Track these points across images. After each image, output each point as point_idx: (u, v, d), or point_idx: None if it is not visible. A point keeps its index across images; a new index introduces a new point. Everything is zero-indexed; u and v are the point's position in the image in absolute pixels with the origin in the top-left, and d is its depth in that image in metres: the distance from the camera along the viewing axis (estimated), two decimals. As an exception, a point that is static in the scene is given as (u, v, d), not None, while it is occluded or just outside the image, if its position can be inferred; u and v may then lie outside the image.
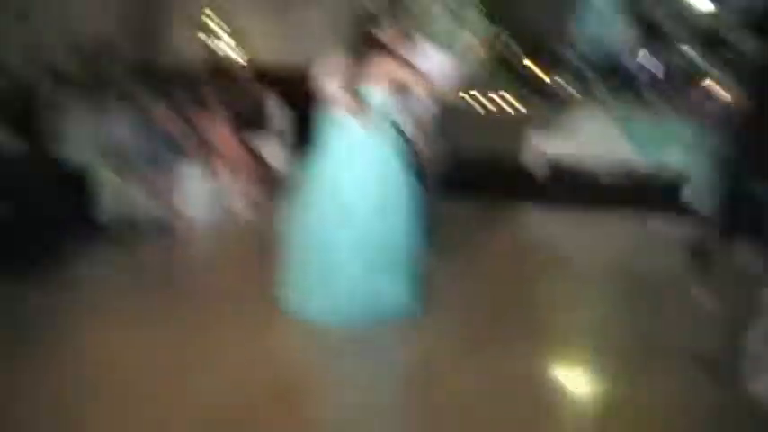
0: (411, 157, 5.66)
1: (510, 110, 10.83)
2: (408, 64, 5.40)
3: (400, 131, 5.62)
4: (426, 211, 5.69)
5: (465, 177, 10.87)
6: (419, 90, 5.49)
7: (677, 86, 10.82)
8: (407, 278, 5.59)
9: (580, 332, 5.92)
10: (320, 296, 5.50)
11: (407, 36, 5.69)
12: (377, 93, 5.33)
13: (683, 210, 8.86)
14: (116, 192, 8.25)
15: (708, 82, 10.59)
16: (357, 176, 5.37)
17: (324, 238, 5.45)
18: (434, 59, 5.84)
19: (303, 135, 10.57)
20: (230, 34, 13.20)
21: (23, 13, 10.41)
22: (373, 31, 5.34)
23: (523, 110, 10.77)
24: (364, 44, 5.34)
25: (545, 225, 9.35)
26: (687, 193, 8.94)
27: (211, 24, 13.13)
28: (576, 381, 5.21)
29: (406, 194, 5.46)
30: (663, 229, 8.81)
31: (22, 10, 10.38)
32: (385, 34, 5.37)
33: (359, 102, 5.30)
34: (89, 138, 8.63)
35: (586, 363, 5.47)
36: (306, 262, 5.56)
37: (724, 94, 9.66)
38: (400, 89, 5.43)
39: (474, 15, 12.86)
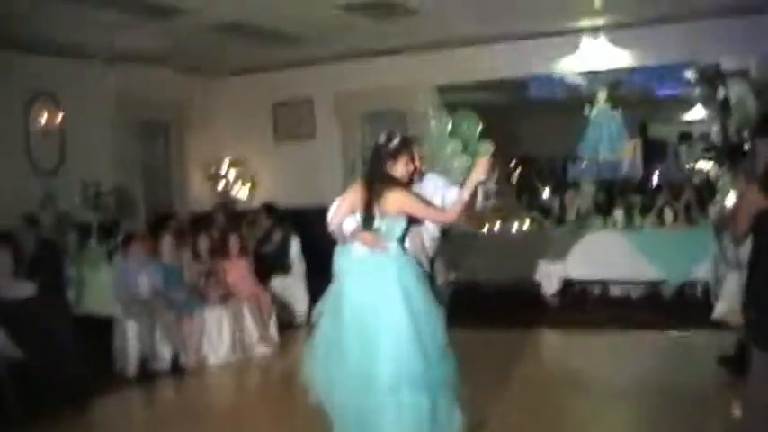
0: (428, 282, 5.64)
1: (526, 234, 10.85)
2: (417, 196, 5.49)
3: (414, 259, 5.64)
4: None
5: (483, 302, 10.91)
6: (428, 220, 5.58)
7: (693, 200, 10.83)
8: (452, 404, 5.47)
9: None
10: None
11: (418, 169, 5.76)
12: (389, 222, 5.39)
13: (710, 322, 8.80)
14: (136, 337, 8.24)
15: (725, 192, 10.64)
16: (383, 307, 5.34)
17: (370, 380, 5.33)
18: (442, 191, 5.89)
19: (321, 274, 10.75)
20: (247, 181, 13.45)
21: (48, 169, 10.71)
22: (386, 164, 5.44)
23: (539, 233, 10.78)
24: (377, 178, 5.44)
25: (571, 347, 9.22)
26: (716, 307, 8.89)
27: (228, 172, 13.39)
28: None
29: (432, 318, 5.42)
30: (691, 343, 8.69)
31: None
32: (396, 168, 5.47)
33: (373, 233, 5.37)
34: (110, 286, 8.69)
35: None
36: (358, 404, 5.42)
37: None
38: (411, 218, 5.51)
39: (484, 148, 13.08)
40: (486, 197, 5.82)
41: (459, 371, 5.52)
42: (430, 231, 5.86)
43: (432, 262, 5.85)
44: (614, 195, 11.90)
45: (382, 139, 5.53)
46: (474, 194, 5.40)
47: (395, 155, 5.43)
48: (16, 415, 6.66)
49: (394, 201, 5.35)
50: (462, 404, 5.48)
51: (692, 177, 11.90)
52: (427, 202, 5.51)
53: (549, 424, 6.25)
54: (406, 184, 5.51)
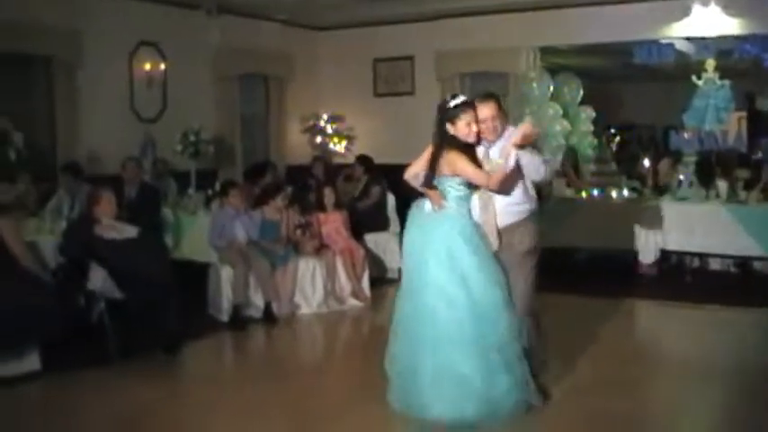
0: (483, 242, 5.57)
1: (624, 203, 10.63)
2: (471, 158, 5.45)
3: (472, 220, 5.59)
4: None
5: (579, 269, 10.78)
6: (478, 183, 5.51)
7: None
8: (510, 367, 5.42)
9: None
10: (418, 391, 5.38)
11: (481, 131, 5.65)
12: (443, 182, 5.46)
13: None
14: (230, 284, 8.34)
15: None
16: (429, 263, 5.41)
17: (419, 330, 5.42)
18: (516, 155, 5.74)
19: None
20: (345, 135, 13.50)
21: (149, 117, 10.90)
22: (446, 125, 5.44)
23: (638, 202, 10.54)
24: (439, 138, 5.49)
25: (663, 320, 9.00)
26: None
27: (326, 126, 13.45)
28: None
29: (485, 280, 5.40)
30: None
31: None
32: (457, 129, 5.44)
33: (434, 190, 5.49)
34: (207, 232, 8.78)
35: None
36: (407, 355, 5.50)
37: None
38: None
39: (585, 114, 12.90)
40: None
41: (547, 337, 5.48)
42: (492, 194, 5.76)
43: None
44: (717, 167, 11.58)
45: (445, 99, 5.56)
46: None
47: (453, 116, 5.45)
48: (113, 354, 6.83)
49: (447, 161, 5.45)
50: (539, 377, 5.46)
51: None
52: (478, 165, 5.46)
53: (630, 398, 6.00)
54: (470, 145, 5.50)
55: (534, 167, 5.53)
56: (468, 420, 5.23)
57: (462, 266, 5.34)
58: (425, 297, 5.37)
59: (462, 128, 5.45)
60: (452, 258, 5.36)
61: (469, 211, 5.56)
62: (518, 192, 5.64)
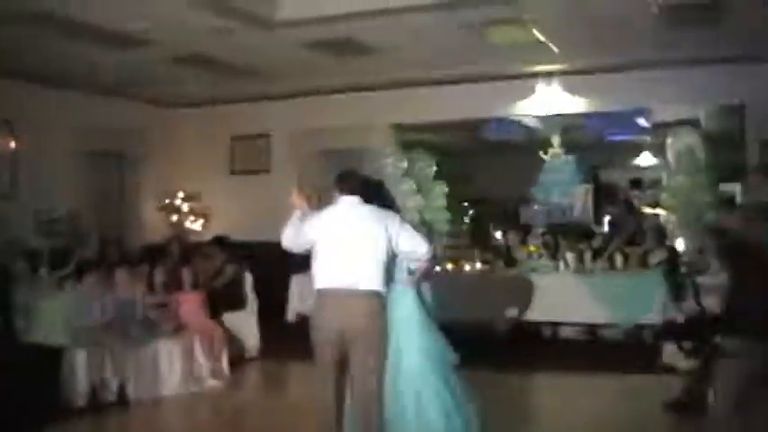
0: None
1: (477, 275, 10.87)
2: None
3: None
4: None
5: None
6: None
7: (643, 245, 10.94)
8: None
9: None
10: None
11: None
12: None
13: (658, 367, 8.87)
14: (85, 367, 8.12)
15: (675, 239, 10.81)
16: None
17: None
18: None
19: (273, 308, 10.74)
20: (202, 213, 13.44)
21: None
22: None
23: (491, 274, 10.80)
24: None
25: (516, 389, 9.15)
26: (666, 352, 8.96)
27: (183, 204, 13.37)
28: None
29: None
30: (640, 387, 8.70)
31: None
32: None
33: None
34: (60, 315, 8.57)
35: None
36: None
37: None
38: None
39: (439, 188, 13.20)
40: None
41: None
42: None
43: None
44: (564, 239, 11.97)
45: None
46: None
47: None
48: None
49: None
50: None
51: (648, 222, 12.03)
52: None
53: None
54: None
55: None
56: None
57: None
58: None
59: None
60: None
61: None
62: None
